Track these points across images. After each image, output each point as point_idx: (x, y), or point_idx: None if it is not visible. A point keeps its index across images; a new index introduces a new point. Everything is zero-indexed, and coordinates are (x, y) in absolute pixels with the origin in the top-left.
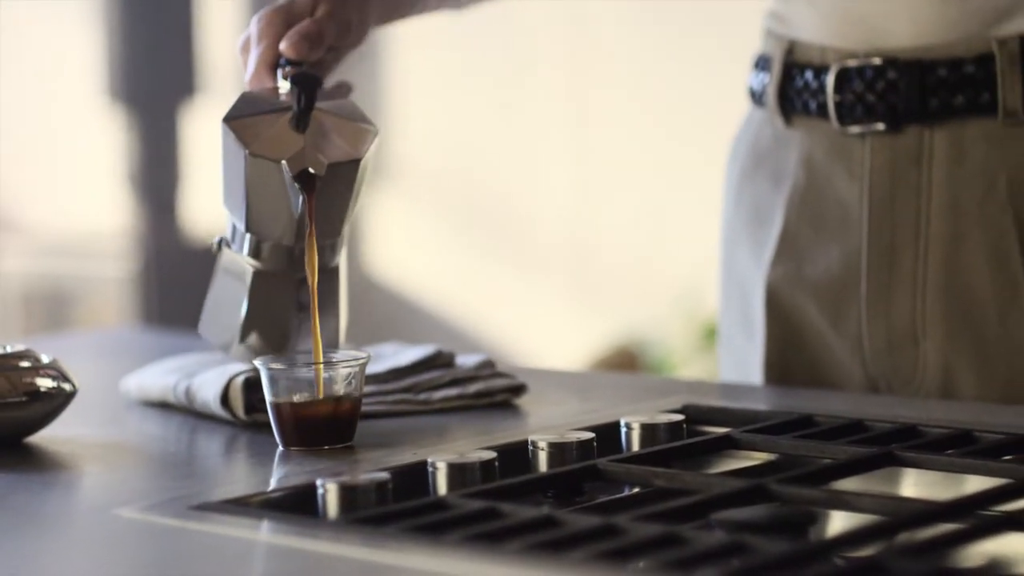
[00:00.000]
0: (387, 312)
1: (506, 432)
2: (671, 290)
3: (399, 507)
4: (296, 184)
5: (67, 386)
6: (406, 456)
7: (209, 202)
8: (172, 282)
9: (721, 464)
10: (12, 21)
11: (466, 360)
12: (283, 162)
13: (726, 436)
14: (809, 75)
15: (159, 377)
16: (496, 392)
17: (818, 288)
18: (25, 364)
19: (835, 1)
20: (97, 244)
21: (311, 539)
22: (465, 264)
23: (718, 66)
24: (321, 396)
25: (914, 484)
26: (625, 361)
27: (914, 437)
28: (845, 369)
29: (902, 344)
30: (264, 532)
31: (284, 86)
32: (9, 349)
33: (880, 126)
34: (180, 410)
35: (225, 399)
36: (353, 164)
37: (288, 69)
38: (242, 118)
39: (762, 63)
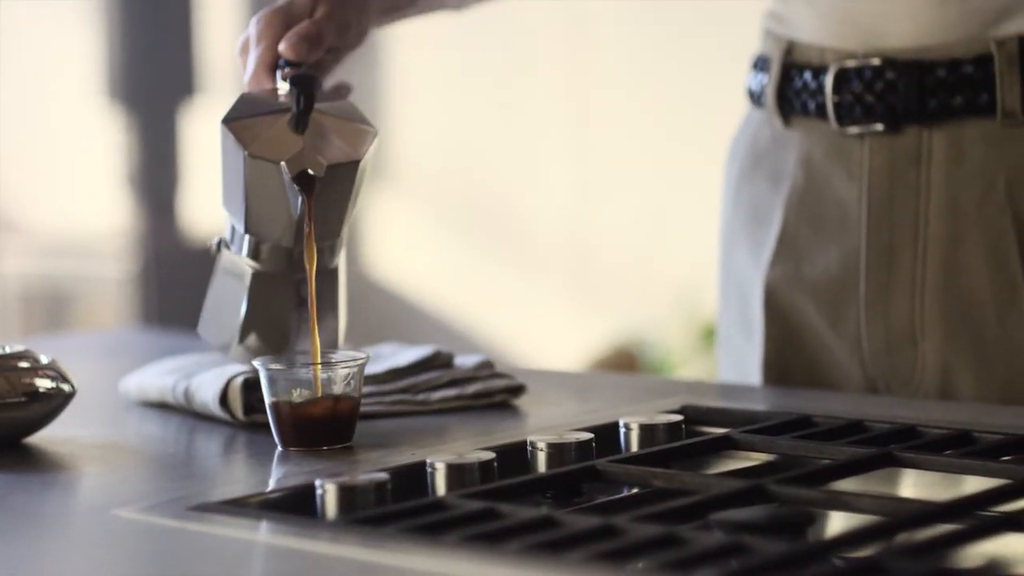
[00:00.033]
0: (386, 312)
1: (505, 433)
2: (670, 290)
3: (398, 507)
4: (295, 185)
5: (66, 387)
6: (405, 456)
7: (208, 202)
8: (171, 283)
9: (720, 465)
10: (11, 21)
11: (465, 361)
12: (282, 163)
13: (725, 437)
14: (808, 76)
15: (158, 378)
16: (495, 393)
17: (817, 288)
18: (24, 365)
19: (834, 2)
20: (96, 244)
21: (310, 540)
22: (464, 264)
23: (718, 66)
24: (320, 396)
25: (913, 484)
26: (624, 361)
27: (913, 438)
28: (844, 369)
29: (901, 345)
30: (263, 533)
31: (283, 87)
32: (8, 349)
33: (879, 127)
34: (179, 411)
35: (224, 400)
36: (352, 165)
37: (287, 70)
38: (241, 119)
39: (761, 64)
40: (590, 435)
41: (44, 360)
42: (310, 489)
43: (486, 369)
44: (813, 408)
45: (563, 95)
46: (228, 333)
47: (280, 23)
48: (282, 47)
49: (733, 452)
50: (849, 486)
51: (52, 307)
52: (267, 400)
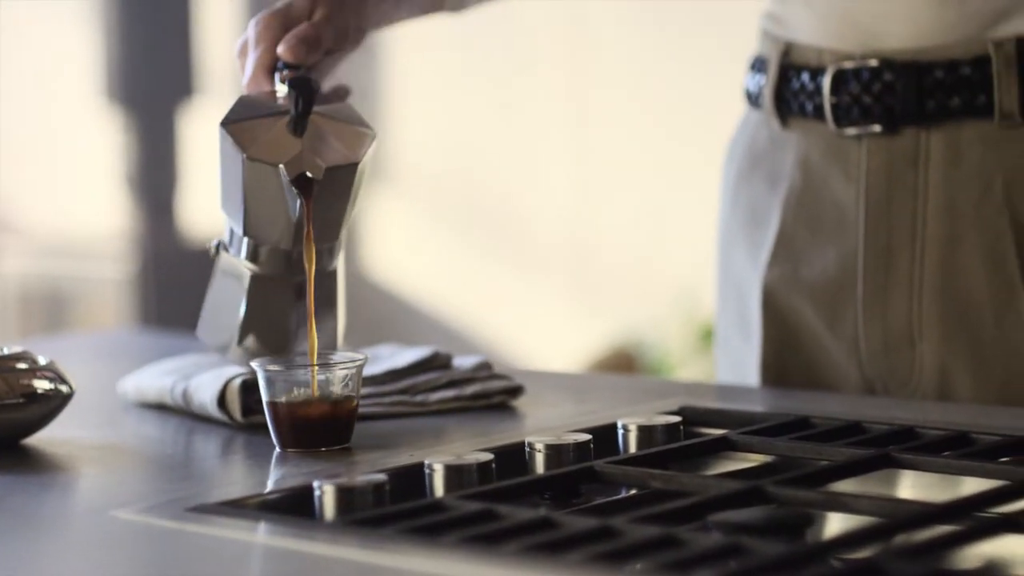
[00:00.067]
0: (384, 313)
1: (503, 434)
2: (670, 291)
3: (396, 509)
4: (294, 188)
5: (64, 388)
6: (403, 458)
7: (207, 203)
8: (170, 283)
9: (718, 466)
10: (10, 22)
11: (463, 362)
12: (281, 166)
13: (723, 438)
14: (805, 77)
15: (156, 379)
16: (493, 394)
17: (814, 290)
18: (22, 366)
19: (832, 3)
20: (95, 245)
21: (308, 541)
22: (463, 265)
23: (718, 66)
24: (318, 398)
25: (911, 486)
26: (623, 362)
27: (911, 439)
28: (841, 371)
29: (898, 346)
30: (261, 534)
31: (282, 90)
32: (6, 351)
33: (876, 128)
34: (177, 412)
35: (222, 401)
36: (351, 168)
37: (286, 73)
38: (240, 122)
39: (758, 65)
40: (588, 436)
41: (42, 361)
42: (308, 490)
43: (484, 370)
44: (811, 409)
45: (563, 95)
46: (227, 335)
47: (279, 25)
48: (281, 49)
49: (731, 453)
50: (847, 487)
51: (50, 308)
52: (265, 401)
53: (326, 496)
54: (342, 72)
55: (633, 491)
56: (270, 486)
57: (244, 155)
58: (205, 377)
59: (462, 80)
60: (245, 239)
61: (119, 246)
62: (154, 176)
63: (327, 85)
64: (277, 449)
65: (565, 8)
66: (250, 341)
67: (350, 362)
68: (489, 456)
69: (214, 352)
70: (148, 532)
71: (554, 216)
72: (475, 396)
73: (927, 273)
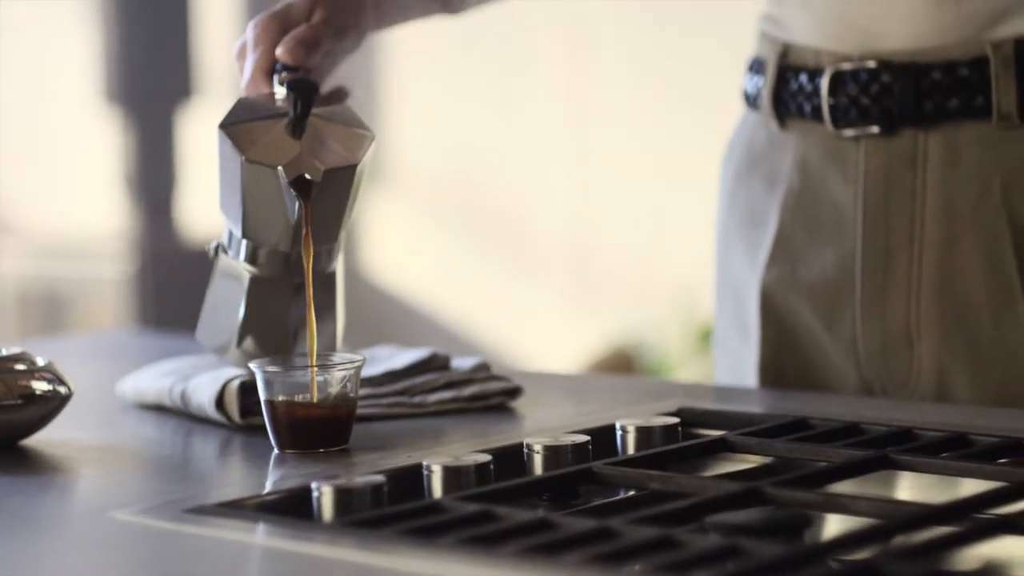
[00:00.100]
0: (383, 314)
1: (501, 435)
2: (669, 292)
3: (394, 510)
4: (292, 190)
5: (63, 389)
6: (401, 459)
7: (206, 204)
8: (168, 284)
9: (716, 467)
10: (9, 22)
11: (462, 363)
12: (279, 168)
13: (721, 439)
14: (804, 78)
15: (155, 380)
16: (491, 395)
17: (812, 291)
18: (21, 367)
19: (829, 4)
20: (93, 246)
21: (306, 542)
22: (462, 266)
23: (718, 66)
24: (316, 399)
25: (909, 487)
26: (621, 363)
27: (909, 440)
28: (839, 372)
29: (896, 347)
30: (259, 535)
31: (280, 92)
32: (5, 352)
33: (874, 129)
34: (176, 413)
35: (220, 402)
36: (350, 170)
37: (284, 75)
38: (238, 124)
39: (756, 66)
40: (586, 437)
41: (41, 362)
42: (306, 491)
43: (483, 371)
44: (809, 410)
45: (563, 95)
46: (226, 337)
47: (277, 27)
48: (279, 51)
49: (729, 454)
50: (845, 488)
51: (49, 309)
52: (263, 402)
53: (324, 497)
54: (341, 74)
55: (631, 492)
56: (268, 487)
57: (243, 157)
58: (203, 378)
59: (462, 81)
60: (244, 241)
61: (118, 247)
62: (153, 177)
63: (326, 87)
64: (275, 450)
65: (565, 8)
66: (249, 343)
67: (348, 363)
68: (487, 457)
69: (213, 354)
70: (146, 533)
71: (554, 216)
72: (473, 397)
73: (925, 274)
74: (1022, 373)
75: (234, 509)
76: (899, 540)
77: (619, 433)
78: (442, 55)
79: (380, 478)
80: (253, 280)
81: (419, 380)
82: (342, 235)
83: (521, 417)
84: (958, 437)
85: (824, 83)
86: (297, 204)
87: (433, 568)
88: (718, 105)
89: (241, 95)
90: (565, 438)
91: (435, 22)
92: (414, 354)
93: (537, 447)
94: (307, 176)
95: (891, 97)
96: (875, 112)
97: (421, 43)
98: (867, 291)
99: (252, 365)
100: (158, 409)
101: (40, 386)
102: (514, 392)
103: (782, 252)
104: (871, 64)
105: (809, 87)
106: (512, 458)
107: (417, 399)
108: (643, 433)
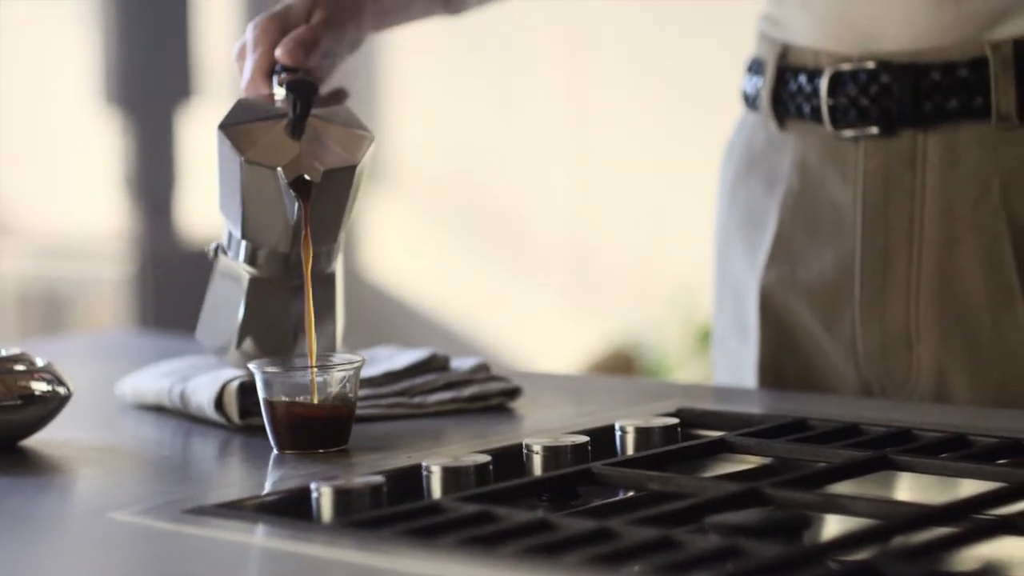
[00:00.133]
0: (383, 315)
1: (500, 435)
2: (668, 292)
3: (393, 511)
4: (292, 191)
5: (62, 389)
6: (400, 459)
7: (205, 205)
8: (168, 285)
9: (715, 468)
10: (9, 23)
11: (461, 363)
12: (279, 169)
13: (720, 440)
14: (803, 79)
15: (154, 380)
16: (491, 396)
17: (812, 292)
18: (20, 367)
19: (829, 5)
20: (93, 247)
21: (305, 543)
22: (461, 266)
23: (718, 66)
24: (316, 399)
25: (908, 488)
26: (621, 364)
27: (908, 441)
28: (839, 373)
29: (896, 348)
30: (258, 536)
31: (280, 93)
32: (4, 352)
33: (874, 130)
34: (175, 414)
35: (219, 403)
36: (349, 170)
37: (284, 76)
38: (238, 125)
39: (755, 67)
40: (586, 438)
41: (40, 363)
42: (306, 492)
43: (482, 372)
44: (808, 411)
45: (563, 95)
46: (225, 337)
47: (276, 29)
48: (279, 52)
49: (729, 455)
50: (845, 489)
51: (49, 309)
52: (263, 403)
53: (324, 498)
54: (340, 74)
55: (631, 493)
56: (268, 488)
57: (242, 158)
58: (203, 379)
59: (462, 81)
60: (243, 242)
61: (117, 247)
62: (152, 177)
63: (325, 88)
64: (275, 451)
65: (565, 8)
66: (248, 344)
67: (348, 364)
68: (487, 458)
69: (212, 354)
70: (146, 534)
71: (553, 216)
72: (473, 398)
73: (924, 275)
74: (1021, 373)
75: (233, 510)
76: (898, 541)
77: (618, 434)
78: (442, 55)
79: (379, 479)
80: (253, 281)
81: (419, 381)
82: (341, 236)
83: (520, 418)
84: (957, 438)
85: (823, 84)
86: (296, 205)
87: (433, 569)
88: (718, 105)
89: (241, 96)
90: (564, 439)
91: (435, 22)
92: (414, 355)
93: (536, 448)
94: (306, 177)
95: (890, 98)
96: (874, 113)
97: (421, 43)
98: (866, 292)
99: (251, 366)
100: (157, 410)
101: (39, 387)
102: (513, 393)
103: (781, 253)
104: (870, 65)
105: (808, 88)
106: (511, 459)
107: (417, 400)
108: (642, 434)
